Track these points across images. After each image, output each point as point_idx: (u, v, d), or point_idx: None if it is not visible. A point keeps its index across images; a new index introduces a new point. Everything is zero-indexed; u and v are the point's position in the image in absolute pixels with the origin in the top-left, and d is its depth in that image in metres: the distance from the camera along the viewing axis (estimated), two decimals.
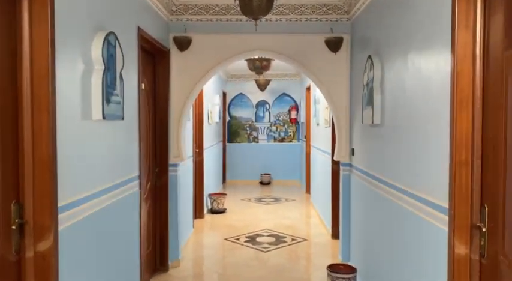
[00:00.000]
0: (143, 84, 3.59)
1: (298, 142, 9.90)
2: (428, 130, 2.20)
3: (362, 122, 3.46)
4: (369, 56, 3.24)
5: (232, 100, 9.94)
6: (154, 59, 4.04)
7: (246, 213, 6.85)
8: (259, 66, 5.32)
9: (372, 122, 3.11)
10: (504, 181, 1.68)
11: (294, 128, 9.94)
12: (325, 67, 4.22)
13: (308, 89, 8.12)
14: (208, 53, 4.20)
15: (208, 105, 6.94)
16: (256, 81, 8.54)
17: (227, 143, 9.91)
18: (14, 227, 1.77)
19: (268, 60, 5.38)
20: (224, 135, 9.73)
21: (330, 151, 5.38)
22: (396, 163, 2.71)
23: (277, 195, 8.39)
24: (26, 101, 1.81)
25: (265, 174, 9.78)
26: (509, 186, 1.65)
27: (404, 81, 2.56)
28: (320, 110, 6.29)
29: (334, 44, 4.12)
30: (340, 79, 4.23)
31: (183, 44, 4.15)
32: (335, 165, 5.27)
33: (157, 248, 4.18)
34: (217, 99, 7.94)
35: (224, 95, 9.63)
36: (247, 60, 5.43)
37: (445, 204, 1.98)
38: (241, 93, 9.92)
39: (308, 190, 8.21)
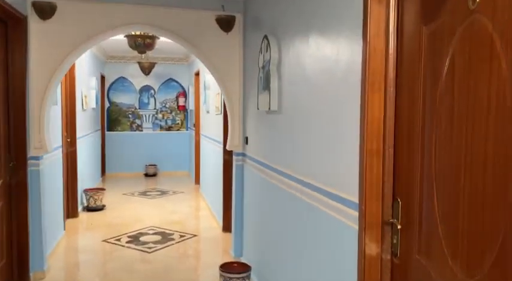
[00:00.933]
0: None
1: (187, 130, 9.43)
2: (335, 117, 1.98)
3: (258, 109, 3.18)
4: (265, 36, 2.95)
5: (112, 84, 9.03)
6: (6, 27, 3.24)
7: (128, 209, 6.22)
8: (141, 44, 4.71)
9: (269, 109, 2.84)
10: (420, 172, 1.51)
11: (182, 115, 9.43)
12: (216, 48, 3.85)
13: (197, 74, 7.69)
14: (79, 25, 3.52)
15: (82, 89, 6.10)
16: (140, 63, 7.82)
17: (106, 132, 9.01)
18: None
19: (153, 38, 4.79)
20: (103, 123, 8.81)
21: (221, 140, 5.06)
22: (297, 153, 2.47)
23: (164, 187, 7.86)
24: None
25: (150, 165, 9.13)
26: (425, 177, 1.48)
27: (306, 64, 2.31)
28: (210, 96, 5.93)
29: (226, 23, 3.77)
30: (233, 61, 3.90)
31: (45, 11, 3.41)
32: (227, 155, 4.98)
33: (14, 258, 3.43)
34: (94, 83, 7.08)
35: (102, 78, 8.70)
36: (127, 36, 4.78)
37: (355, 199, 1.77)
38: (122, 77, 9.07)
39: (198, 181, 7.83)
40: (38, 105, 3.45)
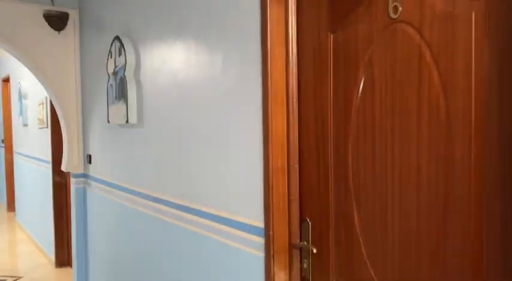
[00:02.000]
0: None
1: None
2: (223, 132, 1.75)
3: (108, 122, 2.70)
4: (117, 38, 2.53)
5: None
6: None
7: None
8: None
9: (127, 122, 2.43)
10: (334, 189, 1.41)
11: None
12: (46, 50, 3.19)
13: (6, 80, 6.42)
14: None
15: None
16: None
17: None
18: None
19: None
20: None
21: (49, 159, 4.26)
22: (170, 173, 2.14)
23: None
24: None
25: None
26: (342, 195, 1.39)
27: (178, 70, 2.03)
28: (30, 107, 4.97)
29: (56, 20, 3.15)
30: (67, 66, 3.29)
31: None
32: (58, 176, 4.23)
33: None
34: None
35: None
36: None
37: (257, 221, 1.58)
38: None
39: (12, 208, 6.52)
40: None
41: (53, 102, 3.35)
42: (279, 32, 1.52)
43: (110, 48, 2.63)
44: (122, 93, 2.48)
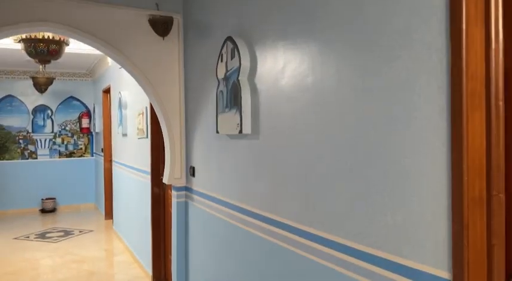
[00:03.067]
0: None
1: (92, 156, 8.17)
2: (382, 144, 1.35)
3: (217, 132, 2.44)
4: (229, 39, 2.26)
5: None
6: None
7: (23, 260, 4.92)
8: (44, 50, 3.63)
9: (240, 132, 2.13)
10: None
11: (86, 139, 8.16)
12: (150, 56, 3.04)
13: (106, 91, 6.63)
14: None
15: None
16: (35, 79, 6.51)
17: None
18: None
19: (60, 44, 3.75)
20: None
21: (148, 170, 4.17)
22: (297, 193, 1.78)
23: (67, 226, 6.56)
24: None
25: (47, 199, 7.67)
26: None
27: (312, 71, 1.67)
28: (129, 117, 4.99)
29: (161, 26, 2.99)
30: (171, 73, 3.12)
31: None
32: (156, 187, 4.11)
33: None
34: None
35: None
36: (24, 40, 3.68)
37: (441, 272, 1.15)
38: (10, 96, 7.56)
39: (109, 216, 6.68)
40: None
41: (156, 112, 3.20)
42: (477, 4, 1.09)
43: (221, 51, 2.37)
44: (234, 101, 2.20)
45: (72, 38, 2.93)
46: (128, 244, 5.23)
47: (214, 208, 2.65)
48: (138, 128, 4.54)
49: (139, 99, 4.48)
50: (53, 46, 3.62)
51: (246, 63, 2.13)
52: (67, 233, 6.11)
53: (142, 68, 3.02)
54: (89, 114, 8.10)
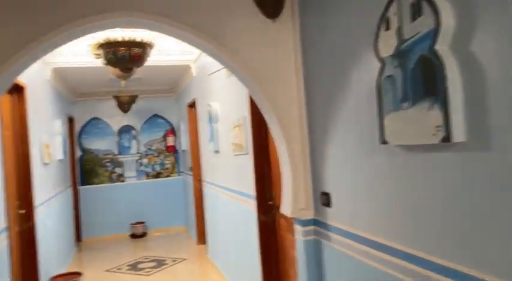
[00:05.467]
0: None
1: (179, 175, 7.71)
2: None
3: (384, 142, 1.56)
4: None
5: (83, 127, 7.30)
6: None
7: None
8: (126, 56, 3.00)
9: (447, 138, 1.24)
10: None
11: (173, 158, 7.73)
12: (257, 45, 2.28)
13: (191, 105, 6.08)
14: (10, 23, 1.89)
15: (42, 136, 4.38)
16: (117, 98, 6.17)
17: (80, 187, 7.19)
18: None
19: (143, 46, 3.12)
20: (74, 177, 7.00)
21: (250, 193, 3.41)
22: None
23: (159, 253, 6.04)
24: None
25: (137, 224, 7.30)
26: None
27: None
28: (222, 131, 4.30)
29: (272, 3, 2.22)
30: (284, 66, 2.32)
31: None
32: (263, 214, 3.33)
33: None
34: (59, 127, 5.36)
35: (71, 120, 6.97)
36: (103, 45, 3.11)
37: None
38: (95, 118, 7.36)
39: (202, 241, 6.07)
40: None
41: (267, 119, 2.41)
42: None
43: (385, 14, 1.51)
44: (425, 88, 1.32)
45: (157, 30, 2.25)
46: (228, 277, 4.51)
47: (365, 253, 1.77)
48: (234, 144, 3.82)
49: (235, 110, 3.77)
50: (135, 50, 3.02)
51: (449, 20, 1.24)
52: (160, 263, 5.57)
53: (247, 61, 2.25)
54: (173, 131, 7.67)
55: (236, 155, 3.81)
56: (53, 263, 4.49)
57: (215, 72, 3.89)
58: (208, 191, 5.30)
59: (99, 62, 4.67)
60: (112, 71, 4.13)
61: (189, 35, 2.17)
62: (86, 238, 7.12)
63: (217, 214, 4.88)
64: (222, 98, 4.23)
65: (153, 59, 5.34)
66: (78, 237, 6.91)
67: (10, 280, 3.01)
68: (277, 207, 3.17)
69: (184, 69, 5.83)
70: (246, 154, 3.49)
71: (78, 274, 4.35)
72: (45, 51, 2.03)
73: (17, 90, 3.72)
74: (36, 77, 4.32)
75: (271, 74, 2.30)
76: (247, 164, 3.48)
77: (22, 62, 1.90)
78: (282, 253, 3.20)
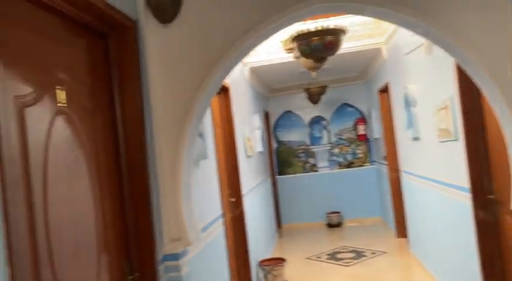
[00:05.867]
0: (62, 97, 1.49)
1: (372, 164, 7.45)
2: None
3: None
4: None
5: (277, 121, 7.73)
6: (107, 43, 1.91)
7: None
8: (319, 46, 2.97)
9: None
10: None
11: (364, 147, 7.52)
12: (476, 14, 1.91)
13: (383, 90, 5.76)
14: (219, 20, 2.03)
15: (244, 131, 4.77)
16: (307, 90, 6.29)
17: (277, 177, 7.65)
18: None
19: (336, 33, 3.05)
20: (272, 168, 7.48)
21: (463, 185, 2.98)
22: None
23: (357, 244, 5.94)
24: None
25: (332, 213, 7.37)
26: None
27: None
28: (422, 116, 3.91)
29: None
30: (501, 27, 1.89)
31: (167, 9, 2.02)
32: (481, 210, 2.86)
33: None
34: (258, 121, 5.77)
35: (267, 115, 7.46)
36: (296, 38, 3.16)
37: None
38: (288, 111, 7.70)
39: (402, 234, 5.71)
40: (169, 167, 2.00)
41: (491, 100, 2.01)
42: None
43: None
44: None
45: (353, 11, 2.11)
46: (436, 276, 4.10)
47: None
48: (439, 129, 3.41)
49: (437, 91, 3.36)
50: (329, 38, 2.96)
51: None
52: (358, 254, 5.47)
53: (468, 35, 1.90)
54: (364, 119, 7.44)
55: (442, 141, 3.39)
56: (260, 248, 4.86)
57: (413, 50, 3.54)
58: (407, 181, 4.93)
59: (291, 57, 4.82)
60: (303, 64, 4.19)
61: (408, 18, 1.95)
62: (285, 224, 7.54)
63: (419, 207, 4.48)
64: (421, 79, 3.83)
65: (343, 46, 5.26)
66: (278, 223, 7.38)
67: (227, 261, 3.35)
68: (500, 202, 2.68)
69: (374, 53, 5.55)
70: (455, 140, 3.06)
71: (282, 260, 4.60)
72: (254, 45, 2.11)
73: (223, 91, 4.11)
74: (237, 77, 4.71)
75: (489, 34, 1.90)
76: (456, 151, 3.05)
77: (233, 58, 2.02)
78: (507, 255, 2.70)
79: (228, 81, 4.11)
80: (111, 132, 1.85)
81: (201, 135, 2.70)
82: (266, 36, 2.11)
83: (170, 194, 2.00)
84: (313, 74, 4.42)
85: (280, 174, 7.68)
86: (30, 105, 1.35)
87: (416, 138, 4.19)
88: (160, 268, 1.96)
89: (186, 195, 2.05)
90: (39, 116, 1.38)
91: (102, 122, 1.78)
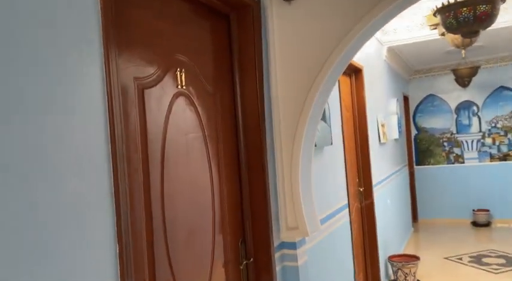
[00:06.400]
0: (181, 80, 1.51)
1: None
2: None
3: None
4: None
5: (418, 106, 7.08)
6: (229, 22, 1.88)
7: None
8: (469, 17, 2.50)
9: None
10: None
11: None
12: None
13: None
14: None
15: (378, 117, 4.44)
16: (456, 71, 5.58)
17: (415, 167, 7.05)
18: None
19: (491, 2, 2.53)
20: (410, 157, 6.91)
21: None
22: None
23: (507, 249, 5.14)
24: None
25: (479, 211, 6.51)
26: None
27: None
28: None
29: None
30: None
31: None
32: None
33: None
34: (394, 106, 5.34)
35: (406, 99, 6.89)
36: (439, 10, 2.73)
37: None
38: (431, 95, 6.98)
39: None
40: (287, 152, 1.92)
41: None
42: None
43: None
44: None
45: None
46: None
47: None
48: None
49: None
50: (482, 8, 2.48)
51: None
52: (509, 261, 4.73)
53: None
54: None
55: None
56: (390, 241, 4.54)
57: None
58: None
59: (436, 34, 4.29)
60: (451, 41, 3.68)
61: None
62: (422, 219, 6.94)
63: None
64: None
65: (499, 20, 4.50)
66: (414, 217, 6.83)
67: (352, 253, 3.17)
68: None
69: None
70: None
71: (416, 257, 4.21)
72: (381, 23, 1.88)
73: (355, 72, 3.86)
74: (372, 58, 4.39)
75: None
76: None
77: (359, 38, 1.83)
78: None
79: (361, 62, 3.85)
80: (231, 116, 1.83)
81: (325, 119, 2.55)
82: (393, 13, 1.85)
83: (288, 180, 1.92)
84: (463, 52, 3.85)
85: (419, 164, 7.06)
86: (150, 87, 1.38)
87: None
88: (277, 255, 1.91)
89: (304, 183, 1.95)
90: (158, 98, 1.41)
91: (221, 105, 1.77)
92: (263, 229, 1.83)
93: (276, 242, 1.90)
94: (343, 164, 3.08)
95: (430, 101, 6.98)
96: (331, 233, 2.64)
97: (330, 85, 1.96)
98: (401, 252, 4.96)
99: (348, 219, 3.06)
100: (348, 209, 3.08)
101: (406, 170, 6.24)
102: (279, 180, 1.93)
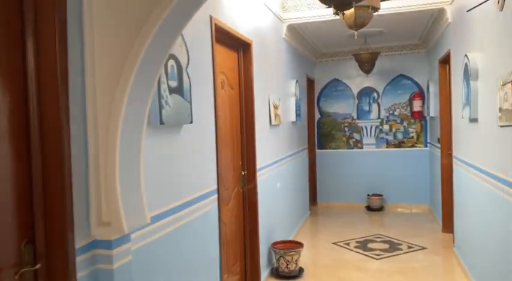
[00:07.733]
0: None
1: (426, 146, 6.60)
2: None
3: None
4: None
5: (322, 90, 7.03)
6: None
7: (338, 279, 3.94)
8: None
9: None
10: None
11: (419, 126, 6.65)
12: None
13: (444, 61, 4.88)
14: None
15: (270, 97, 4.19)
16: (357, 56, 5.55)
17: (317, 150, 7.04)
18: None
19: None
20: (312, 141, 6.87)
21: None
22: None
23: (394, 234, 5.27)
24: None
25: (374, 195, 6.68)
26: None
27: None
28: (482, 92, 3.13)
29: None
30: None
31: None
32: None
33: None
34: (293, 88, 5.16)
35: (312, 82, 6.79)
36: None
37: None
38: (335, 79, 6.96)
39: (448, 228, 4.97)
40: (102, 130, 1.53)
41: None
42: None
43: None
44: None
45: None
46: None
47: None
48: (501, 109, 2.64)
49: (506, 60, 2.57)
50: None
51: None
52: (393, 247, 4.82)
53: None
54: (421, 94, 6.53)
55: (503, 126, 2.63)
56: (279, 226, 4.38)
57: (479, 5, 2.74)
58: (458, 170, 4.15)
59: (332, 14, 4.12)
60: (344, 21, 3.50)
61: None
62: (321, 203, 6.99)
63: (468, 202, 3.73)
64: (486, 45, 3.02)
65: (397, 5, 4.44)
66: (314, 200, 6.84)
67: (218, 244, 2.92)
68: None
69: (437, 15, 4.66)
70: None
71: (300, 244, 4.09)
72: None
73: (243, 47, 3.55)
74: (266, 33, 4.11)
75: None
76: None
77: None
78: None
79: (250, 37, 3.54)
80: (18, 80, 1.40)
81: (182, 93, 2.19)
82: None
83: (102, 164, 1.54)
84: (355, 33, 3.71)
85: (320, 148, 7.05)
86: None
87: (473, 120, 3.40)
88: (83, 257, 1.53)
89: (126, 168, 1.58)
90: None
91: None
92: (59, 223, 1.44)
93: (84, 241, 1.53)
94: (214, 145, 2.77)
95: (334, 85, 6.95)
96: (187, 224, 2.33)
97: (161, 47, 1.59)
98: (291, 237, 4.86)
99: (216, 206, 2.76)
100: (217, 195, 2.78)
101: (305, 154, 6.16)
102: (91, 164, 1.54)
